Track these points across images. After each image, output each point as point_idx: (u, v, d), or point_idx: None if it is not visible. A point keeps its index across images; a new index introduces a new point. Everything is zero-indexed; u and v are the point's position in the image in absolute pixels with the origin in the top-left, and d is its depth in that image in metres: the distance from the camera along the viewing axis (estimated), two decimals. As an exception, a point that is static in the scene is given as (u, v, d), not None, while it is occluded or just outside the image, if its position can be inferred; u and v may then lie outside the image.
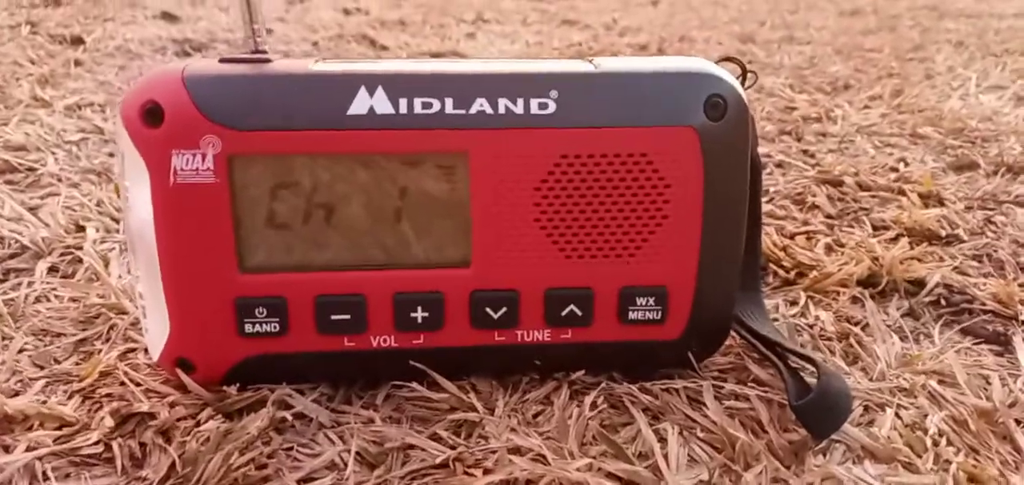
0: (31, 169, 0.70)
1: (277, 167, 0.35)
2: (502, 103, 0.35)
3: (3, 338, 0.44)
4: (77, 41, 1.27)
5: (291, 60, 0.37)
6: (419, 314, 0.38)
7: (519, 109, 0.36)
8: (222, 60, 0.36)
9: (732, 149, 0.37)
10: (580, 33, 1.51)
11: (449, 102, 0.35)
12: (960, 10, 1.89)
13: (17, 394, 0.39)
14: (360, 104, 0.35)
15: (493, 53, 1.29)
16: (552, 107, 0.36)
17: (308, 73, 0.35)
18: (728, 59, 0.40)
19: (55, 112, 0.88)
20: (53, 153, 0.74)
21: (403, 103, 0.35)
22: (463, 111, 0.35)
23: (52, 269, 0.52)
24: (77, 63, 1.12)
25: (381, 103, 0.35)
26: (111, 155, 0.74)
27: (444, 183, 0.36)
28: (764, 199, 0.64)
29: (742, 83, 0.40)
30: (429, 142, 0.35)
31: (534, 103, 0.36)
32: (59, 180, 0.68)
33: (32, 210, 0.60)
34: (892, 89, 1.03)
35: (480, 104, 0.35)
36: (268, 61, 0.36)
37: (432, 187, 0.36)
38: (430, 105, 0.35)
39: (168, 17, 1.50)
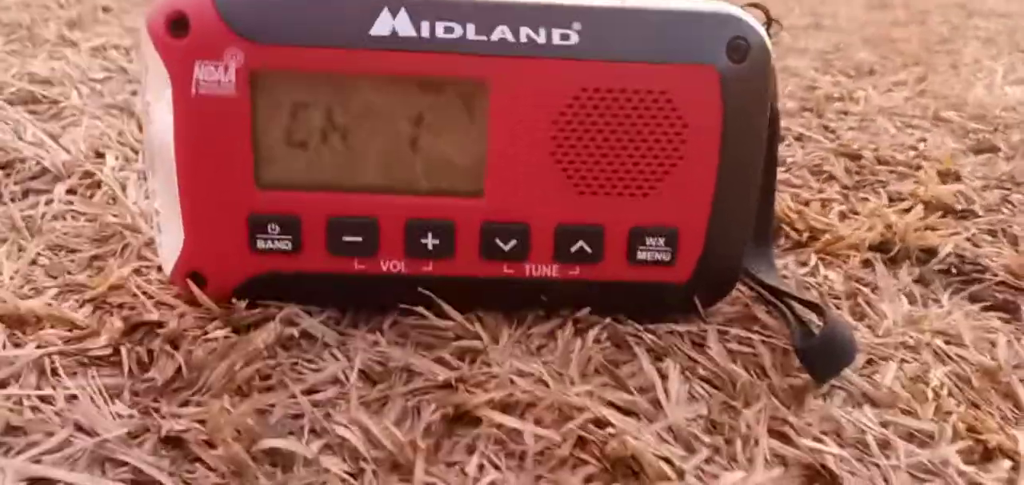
0: (54, 102, 0.71)
1: (298, 84, 0.36)
2: (524, 32, 0.36)
3: (19, 249, 0.44)
4: (106, -12, 1.28)
5: None
6: (429, 241, 0.38)
7: (541, 39, 0.36)
8: (248, -24, 0.37)
9: (752, 94, 0.37)
10: None
11: (471, 28, 0.35)
12: (991, 9, 1.87)
13: (28, 298, 0.39)
14: (382, 25, 0.35)
15: None
16: (574, 38, 0.36)
17: (332, -7, 0.35)
18: (754, 4, 0.40)
19: (81, 52, 0.89)
20: (77, 88, 0.75)
21: (425, 26, 0.35)
22: (485, 37, 0.35)
23: (71, 191, 0.53)
24: (105, 9, 1.13)
25: (403, 25, 0.35)
26: (134, 93, 0.75)
27: (463, 110, 0.36)
28: (781, 168, 0.64)
29: (767, 31, 0.40)
30: (449, 66, 0.36)
31: (556, 34, 0.36)
32: (82, 112, 0.68)
33: (54, 137, 0.61)
34: (917, 76, 1.02)
35: (502, 31, 0.35)
36: (294, -19, 0.36)
37: (451, 113, 0.36)
38: (452, 29, 0.35)
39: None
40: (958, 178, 0.63)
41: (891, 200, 0.58)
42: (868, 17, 1.64)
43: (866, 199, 0.58)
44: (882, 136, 0.74)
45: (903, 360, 0.38)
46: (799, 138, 0.73)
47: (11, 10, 1.07)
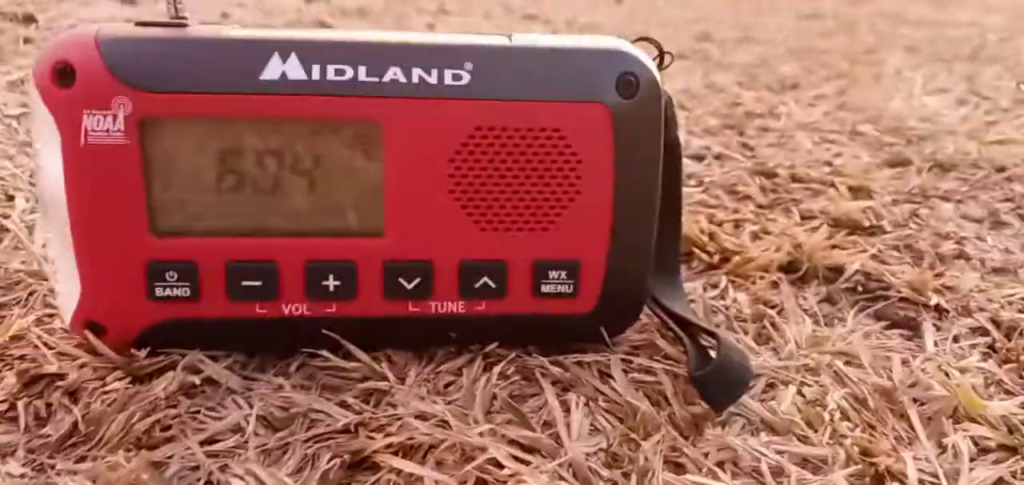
0: (-34, 140, 0.69)
1: (189, 130, 0.35)
2: (416, 73, 0.36)
3: (-82, 302, 0.43)
4: (29, 19, 1.25)
5: (208, 26, 0.37)
6: (331, 282, 0.38)
7: (433, 79, 0.36)
8: (138, 23, 0.36)
9: (644, 127, 0.38)
10: (541, 28, 1.52)
11: (362, 69, 0.35)
12: (919, 17, 1.92)
13: (-75, 354, 0.38)
14: (273, 69, 0.35)
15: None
16: (466, 79, 0.36)
17: (221, 38, 0.35)
18: (645, 39, 0.41)
19: (-2, 87, 0.87)
20: (-9, 125, 0.73)
21: (316, 69, 0.35)
22: (377, 79, 0.35)
23: (-23, 237, 0.52)
24: (27, 40, 1.11)
25: (294, 69, 0.35)
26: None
27: (358, 151, 0.36)
28: (699, 189, 0.65)
29: (659, 64, 0.40)
30: (342, 109, 0.36)
31: (448, 74, 0.36)
32: (-6, 152, 0.67)
33: (-38, 180, 0.60)
34: (838, 89, 1.04)
35: (394, 73, 0.36)
36: (184, 25, 0.36)
37: (346, 155, 0.36)
38: (343, 72, 0.35)
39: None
40: (869, 194, 0.64)
41: (802, 218, 0.59)
42: (796, 27, 1.68)
43: (776, 219, 0.59)
44: (799, 153, 0.76)
45: (803, 383, 0.39)
46: (718, 157, 0.74)
47: (-72, 45, 1.04)
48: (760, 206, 0.62)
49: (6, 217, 0.54)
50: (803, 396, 0.38)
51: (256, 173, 0.36)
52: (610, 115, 0.37)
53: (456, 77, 0.36)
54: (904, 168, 0.72)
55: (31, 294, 0.44)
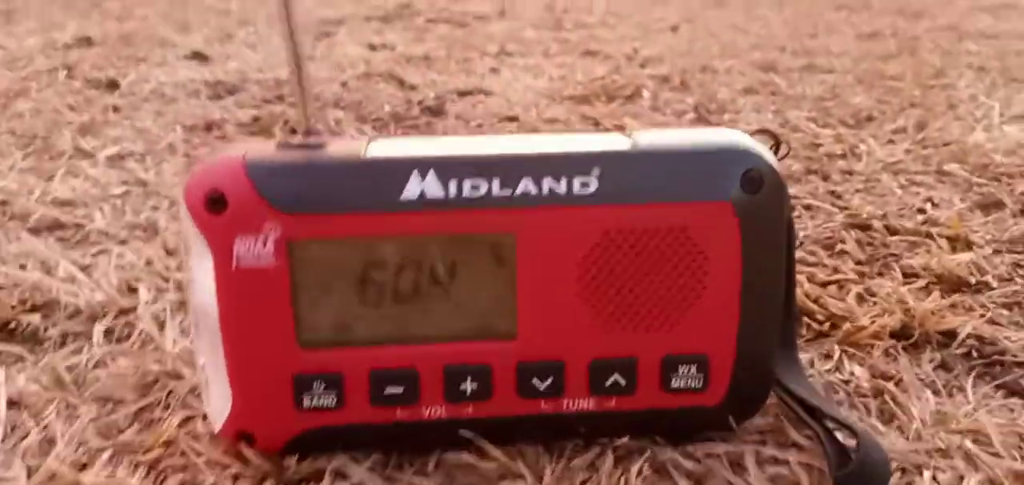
0: (78, 225, 0.72)
1: (334, 249, 0.37)
2: (546, 183, 0.37)
3: (68, 407, 0.46)
4: (112, 85, 1.30)
5: (345, 142, 0.39)
6: (468, 386, 0.39)
7: (562, 189, 0.37)
8: (279, 145, 0.38)
9: (768, 220, 0.38)
10: (602, 65, 1.53)
11: (496, 183, 0.37)
12: (980, 31, 1.89)
13: (85, 466, 0.40)
14: (412, 189, 0.37)
15: (519, 89, 1.31)
16: (594, 185, 0.37)
17: (362, 160, 0.37)
18: (763, 131, 0.42)
19: (98, 164, 0.91)
20: (99, 208, 0.76)
21: (453, 186, 0.37)
22: (510, 192, 0.37)
23: (107, 331, 0.54)
24: (115, 109, 1.15)
25: (432, 186, 0.37)
26: (155, 209, 0.77)
27: (491, 260, 0.38)
28: (796, 248, 0.65)
29: (776, 154, 0.41)
30: (477, 223, 0.37)
31: (577, 182, 0.37)
32: (107, 235, 0.70)
33: (84, 270, 0.63)
34: (916, 121, 1.03)
35: (526, 185, 0.37)
36: (322, 145, 0.38)
37: (480, 264, 0.38)
38: (478, 187, 0.37)
39: (199, 57, 1.53)
40: (969, 245, 0.64)
41: (905, 276, 0.59)
42: (859, 50, 1.66)
43: (881, 280, 0.59)
44: (889, 199, 0.75)
45: (936, 468, 0.39)
46: (808, 208, 0.74)
47: (25, 118, 1.09)
48: (859, 262, 0.62)
49: (132, 310, 0.56)
50: (938, 482, 0.38)
51: (396, 285, 0.38)
52: (735, 212, 0.38)
53: (584, 185, 0.37)
54: (998, 211, 0.72)
55: (170, 394, 0.47)
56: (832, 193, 0.78)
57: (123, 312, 0.56)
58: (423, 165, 0.37)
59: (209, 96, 1.25)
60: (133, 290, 0.59)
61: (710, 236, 0.38)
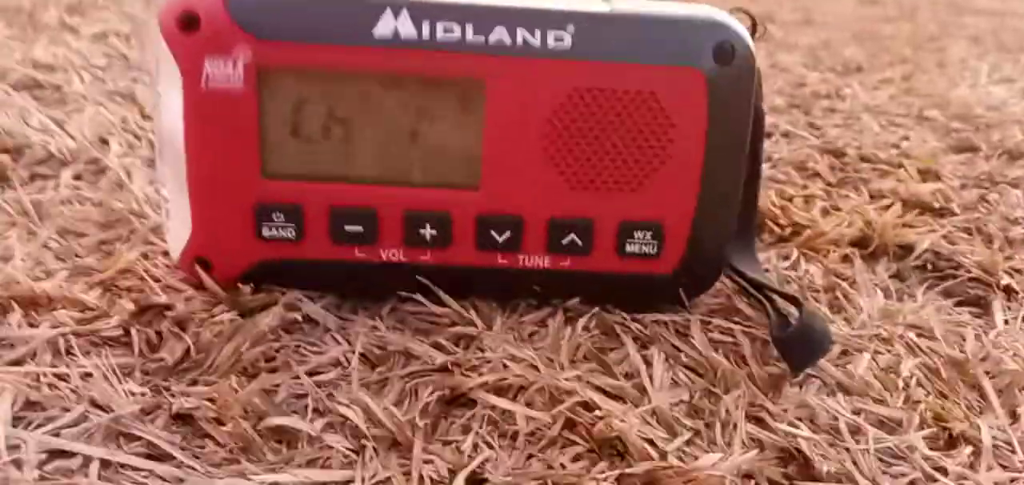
0: (57, 88, 0.72)
1: (303, 80, 0.37)
2: (520, 33, 0.37)
3: (29, 232, 0.46)
4: (103, -28, 1.28)
5: None
6: (428, 231, 0.40)
7: (536, 41, 0.37)
8: (258, -24, 0.38)
9: (737, 95, 0.39)
10: None
11: (470, 28, 0.37)
12: (980, 7, 1.89)
13: (41, 280, 0.41)
14: (385, 26, 0.37)
15: None
16: (568, 41, 0.37)
17: (337, -7, 0.37)
18: (740, 10, 0.42)
19: (82, 38, 0.90)
20: (79, 74, 0.76)
21: (425, 27, 0.37)
22: (483, 38, 0.37)
23: (77, 176, 0.54)
24: (103, -6, 1.14)
25: (405, 26, 0.37)
26: (135, 81, 0.76)
27: (459, 107, 0.38)
28: (767, 164, 0.66)
29: (752, 35, 0.41)
30: (448, 66, 0.37)
31: (551, 36, 0.37)
32: (85, 99, 0.70)
33: (59, 124, 0.62)
34: (903, 74, 1.04)
35: (499, 33, 0.37)
36: (301, -21, 0.38)
37: (447, 110, 0.38)
38: (451, 30, 0.37)
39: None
40: (938, 177, 0.65)
41: (872, 197, 0.60)
42: (858, 13, 1.66)
43: (848, 196, 0.60)
44: (866, 134, 0.76)
45: (876, 352, 0.40)
46: (786, 134, 0.75)
47: (11, -6, 1.08)
48: (829, 184, 0.63)
49: (104, 159, 0.56)
50: (877, 363, 0.39)
51: (362, 123, 0.38)
52: (705, 81, 0.38)
53: (558, 39, 0.37)
54: (972, 154, 0.72)
55: (132, 232, 0.47)
56: (811, 124, 0.79)
57: (93, 161, 0.56)
58: (397, 3, 0.37)
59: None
60: (105, 143, 0.59)
61: (678, 103, 0.38)
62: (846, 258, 0.50)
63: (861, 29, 1.42)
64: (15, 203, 0.49)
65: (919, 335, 0.42)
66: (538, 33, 0.37)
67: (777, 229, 0.54)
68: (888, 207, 0.57)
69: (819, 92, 0.92)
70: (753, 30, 0.42)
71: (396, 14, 0.37)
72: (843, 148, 0.70)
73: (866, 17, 1.60)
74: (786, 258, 0.50)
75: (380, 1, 0.37)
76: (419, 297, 0.41)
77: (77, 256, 0.44)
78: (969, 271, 0.49)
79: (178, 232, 0.40)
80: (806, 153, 0.68)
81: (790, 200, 0.58)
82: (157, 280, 0.41)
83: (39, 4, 1.05)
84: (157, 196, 0.51)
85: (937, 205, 0.58)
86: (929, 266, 0.50)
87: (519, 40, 0.37)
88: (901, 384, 0.37)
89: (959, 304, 0.46)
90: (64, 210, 0.49)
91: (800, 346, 0.37)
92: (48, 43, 0.86)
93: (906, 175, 0.64)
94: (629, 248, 0.40)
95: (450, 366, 0.36)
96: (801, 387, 0.37)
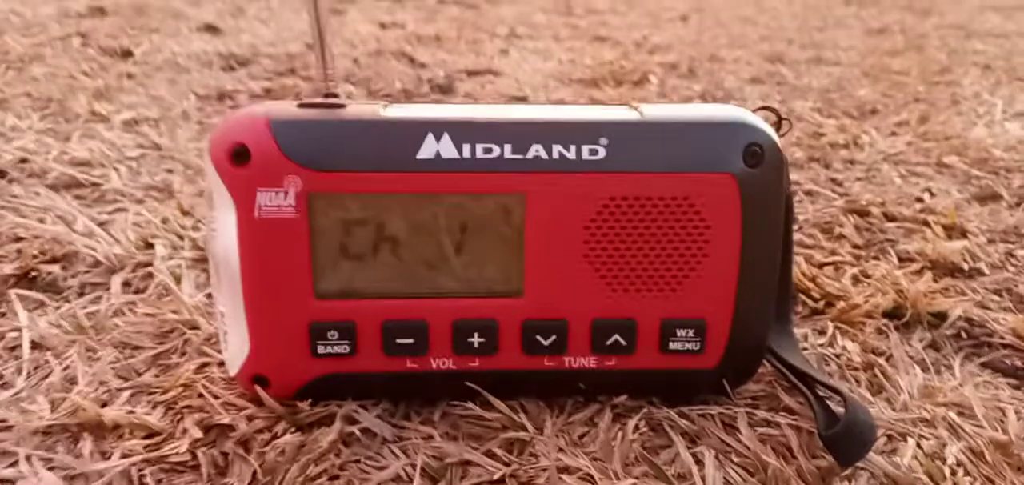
0: (96, 185, 0.74)
1: (351, 204, 0.39)
2: (556, 149, 0.39)
3: (88, 350, 0.47)
4: (127, 53, 1.31)
5: (362, 104, 0.40)
6: (476, 339, 0.41)
7: (572, 154, 0.39)
8: (300, 105, 0.40)
9: (768, 193, 0.40)
10: (611, 51, 1.54)
11: (508, 148, 0.39)
12: (988, 31, 1.90)
13: (106, 404, 0.42)
14: (428, 149, 0.38)
15: (527, 71, 1.33)
16: (602, 153, 0.39)
17: (381, 119, 0.39)
18: (765, 108, 0.43)
19: (113, 127, 0.92)
20: (115, 168, 0.78)
21: (466, 148, 0.38)
22: (521, 156, 0.39)
23: (125, 283, 0.56)
24: (129, 76, 1.17)
25: (447, 148, 0.38)
26: (169, 172, 0.78)
27: (501, 220, 0.40)
28: (794, 227, 0.67)
29: (777, 130, 0.43)
30: (489, 184, 0.39)
31: (586, 149, 0.39)
32: (123, 195, 0.72)
33: (102, 225, 0.64)
34: (919, 115, 1.05)
35: (536, 149, 0.39)
36: (342, 106, 0.40)
37: (490, 224, 0.40)
38: (491, 150, 0.38)
39: (211, 29, 1.55)
40: (964, 233, 0.65)
41: (900, 260, 0.61)
42: (866, 45, 1.68)
43: (877, 262, 0.61)
44: (888, 188, 0.77)
45: (921, 436, 0.41)
46: (809, 193, 0.76)
47: (40, 82, 1.11)
48: (856, 246, 0.64)
49: (149, 264, 0.58)
50: (922, 449, 0.40)
51: (409, 241, 0.40)
52: (737, 184, 0.39)
53: (592, 152, 0.39)
54: (995, 204, 0.73)
55: (186, 341, 0.48)
56: (833, 180, 0.80)
57: (140, 265, 0.58)
58: (438, 127, 0.38)
59: (222, 67, 1.27)
60: (150, 246, 0.61)
61: (712, 206, 0.40)
62: (881, 331, 0.51)
63: (872, 65, 1.43)
64: (70, 318, 0.50)
65: (960, 414, 0.42)
66: (573, 148, 0.39)
67: (810, 302, 0.55)
68: (918, 272, 0.58)
69: (837, 142, 0.93)
70: (778, 125, 0.43)
71: (438, 138, 0.38)
72: (867, 206, 0.71)
73: (875, 49, 1.62)
74: (822, 333, 0.51)
75: (422, 125, 0.38)
76: (469, 402, 0.42)
77: (137, 373, 0.45)
78: (1003, 339, 0.50)
79: (236, 349, 0.41)
80: (831, 214, 0.69)
81: (820, 268, 0.59)
82: (217, 397, 0.43)
83: (68, 91, 1.07)
84: (206, 302, 0.52)
85: (966, 267, 0.59)
86: (964, 334, 0.51)
87: (555, 154, 0.39)
88: (948, 472, 0.38)
89: (997, 375, 0.47)
90: (118, 323, 0.50)
91: (847, 442, 0.38)
92: (81, 135, 0.89)
93: (932, 234, 0.64)
94: (672, 346, 0.41)
95: (507, 479, 0.37)
96: (850, 481, 0.38)
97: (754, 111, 0.41)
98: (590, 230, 0.40)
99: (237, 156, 0.38)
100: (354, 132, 0.38)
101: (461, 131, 0.38)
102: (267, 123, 0.38)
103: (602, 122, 0.39)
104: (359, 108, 0.40)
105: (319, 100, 0.40)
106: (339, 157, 0.38)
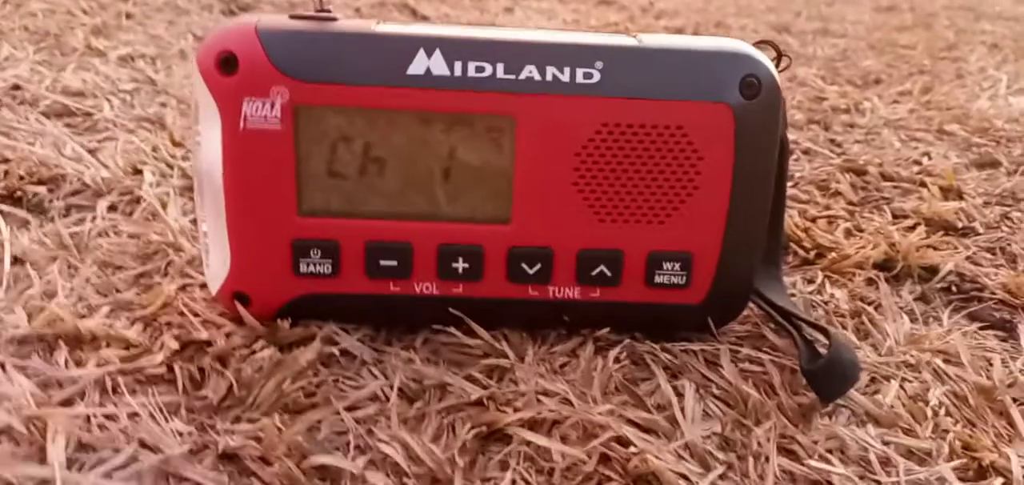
0: (88, 114, 0.73)
1: (338, 119, 0.38)
2: (550, 71, 0.38)
3: (69, 267, 0.47)
4: (128, -7, 1.30)
5: (355, 20, 0.40)
6: (460, 265, 0.40)
7: (565, 77, 0.38)
8: (292, 16, 0.39)
9: (763, 128, 0.39)
10: (617, 14, 1.53)
11: (500, 67, 0.38)
12: (998, 13, 1.88)
13: (84, 317, 0.42)
14: (418, 65, 0.38)
15: (530, 29, 1.32)
16: (596, 77, 0.38)
17: (371, 32, 0.38)
18: (764, 42, 0.42)
19: (109, 62, 0.91)
20: (108, 100, 0.77)
21: (458, 66, 0.38)
22: (513, 76, 0.38)
23: (112, 207, 0.55)
24: (128, 16, 1.16)
25: (438, 64, 0.38)
26: (163, 106, 0.78)
27: (490, 144, 0.39)
28: (789, 183, 0.66)
29: (776, 66, 0.42)
30: (480, 104, 0.38)
31: (580, 72, 0.38)
32: (115, 125, 0.71)
33: (91, 152, 0.64)
34: (922, 86, 1.04)
35: (529, 70, 0.38)
36: (334, 19, 0.39)
37: (479, 147, 0.39)
38: (483, 69, 0.38)
39: (214, -25, 1.53)
40: (960, 195, 0.65)
41: (895, 217, 0.61)
42: (874, 20, 1.66)
43: (871, 217, 0.60)
44: (887, 150, 0.76)
45: (904, 379, 0.40)
46: (807, 152, 0.75)
47: (38, 17, 1.10)
48: (852, 203, 0.63)
49: (137, 189, 0.57)
50: (905, 391, 0.40)
51: (397, 161, 0.39)
52: (732, 115, 0.39)
53: (587, 75, 0.38)
54: (993, 170, 0.73)
55: (169, 263, 0.48)
56: (832, 141, 0.79)
57: (127, 191, 0.57)
58: (430, 43, 0.38)
59: (222, 10, 1.26)
60: (138, 172, 0.61)
61: (705, 137, 0.39)
62: (871, 281, 0.51)
63: (878, 38, 1.42)
64: (54, 236, 0.50)
65: (946, 361, 0.42)
66: (567, 70, 0.38)
67: (801, 251, 0.54)
68: (912, 228, 0.57)
69: (838, 106, 0.92)
70: (777, 61, 0.42)
71: (429, 53, 0.38)
72: (865, 166, 0.70)
73: (883, 25, 1.60)
74: (811, 282, 0.51)
75: (414, 40, 0.38)
76: (452, 329, 0.42)
77: (117, 291, 0.45)
78: (994, 294, 0.50)
79: (217, 267, 0.41)
80: (828, 172, 0.69)
81: (813, 221, 0.59)
82: (197, 315, 0.42)
83: (65, 27, 1.06)
84: (192, 227, 0.52)
85: (960, 225, 0.59)
86: (954, 288, 0.51)
87: (549, 76, 0.38)
88: (930, 413, 0.38)
89: (985, 327, 0.47)
90: (102, 243, 0.50)
91: (830, 377, 0.38)
92: (76, 68, 0.88)
93: (928, 194, 0.64)
94: (658, 279, 0.41)
95: (485, 401, 0.37)
96: (831, 417, 0.37)
97: (754, 44, 0.41)
98: (581, 157, 0.39)
99: (224, 64, 0.37)
100: (344, 45, 0.38)
101: (453, 48, 0.38)
102: (256, 31, 0.38)
103: (598, 46, 0.39)
104: (351, 22, 0.39)
105: (311, 13, 0.39)
106: (327, 69, 0.38)
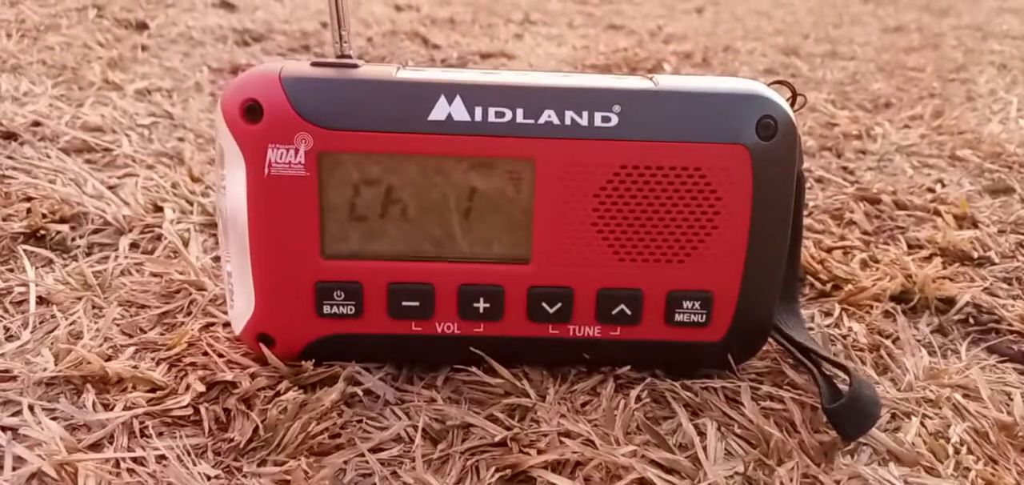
0: (107, 149, 0.74)
1: (361, 164, 0.39)
2: (569, 115, 0.39)
3: (94, 307, 0.48)
4: (141, 26, 1.31)
5: (376, 66, 0.40)
6: (481, 305, 0.41)
7: (584, 121, 0.39)
8: (314, 63, 0.40)
9: (780, 167, 0.40)
10: (626, 39, 1.54)
11: (520, 112, 0.38)
12: (1005, 32, 1.88)
13: (110, 358, 0.42)
14: (439, 111, 0.38)
15: (540, 56, 1.33)
16: (615, 120, 0.39)
17: (393, 80, 0.38)
18: (780, 82, 0.43)
19: (126, 96, 0.93)
20: (127, 135, 0.78)
21: (478, 111, 0.38)
22: (533, 121, 0.38)
23: (133, 245, 0.56)
24: (143, 48, 1.17)
25: (458, 110, 0.38)
26: (181, 140, 0.79)
27: (511, 186, 0.39)
28: (804, 213, 0.66)
29: (792, 105, 0.42)
30: (500, 148, 0.39)
31: (598, 116, 0.39)
32: (134, 161, 0.72)
33: (112, 189, 0.64)
34: (933, 110, 1.04)
35: (548, 115, 0.39)
36: (355, 66, 0.40)
37: (499, 189, 0.39)
38: (503, 114, 0.38)
39: (226, 5, 1.55)
40: (974, 224, 0.65)
41: (910, 247, 0.61)
42: (882, 42, 1.67)
43: (886, 247, 0.61)
44: (900, 177, 0.77)
45: (925, 415, 0.41)
46: (820, 180, 0.76)
47: (55, 51, 1.11)
48: (866, 233, 0.63)
49: (158, 227, 0.58)
50: (926, 428, 0.40)
51: (418, 204, 0.40)
52: (749, 155, 0.39)
53: (605, 119, 0.39)
54: (1007, 196, 0.73)
55: (192, 302, 0.49)
56: (844, 169, 0.79)
57: (148, 228, 0.58)
58: (451, 89, 0.38)
59: (236, 42, 1.27)
60: (159, 209, 0.61)
61: (723, 178, 0.39)
62: (888, 314, 0.51)
63: (887, 60, 1.43)
64: (78, 276, 0.51)
65: (966, 396, 0.42)
66: (586, 114, 0.39)
67: (818, 284, 0.54)
68: (928, 259, 0.58)
69: (850, 132, 0.92)
70: (792, 101, 0.43)
71: (450, 100, 0.38)
72: (878, 195, 0.70)
73: (891, 46, 1.61)
74: (829, 315, 0.51)
75: (435, 86, 0.38)
76: (473, 368, 0.42)
77: (142, 330, 0.45)
78: (1011, 325, 0.50)
79: (241, 308, 0.41)
80: (841, 200, 0.69)
81: (829, 252, 0.59)
82: (221, 355, 0.43)
83: (82, 60, 1.07)
84: (213, 265, 0.53)
85: (976, 255, 0.59)
86: (971, 320, 0.51)
87: (567, 120, 0.39)
88: (951, 451, 0.38)
89: (1003, 360, 0.47)
90: (125, 282, 0.50)
91: (851, 416, 0.38)
92: (94, 102, 0.89)
93: (943, 223, 0.64)
94: (678, 317, 0.41)
95: (508, 442, 0.37)
96: (853, 456, 0.38)
97: (768, 84, 0.41)
98: (600, 198, 0.39)
99: (249, 112, 0.38)
100: (366, 91, 0.38)
101: (473, 94, 0.38)
102: (279, 80, 0.38)
103: (615, 89, 0.39)
104: (372, 69, 0.40)
105: (333, 60, 0.40)
106: (350, 116, 0.38)
